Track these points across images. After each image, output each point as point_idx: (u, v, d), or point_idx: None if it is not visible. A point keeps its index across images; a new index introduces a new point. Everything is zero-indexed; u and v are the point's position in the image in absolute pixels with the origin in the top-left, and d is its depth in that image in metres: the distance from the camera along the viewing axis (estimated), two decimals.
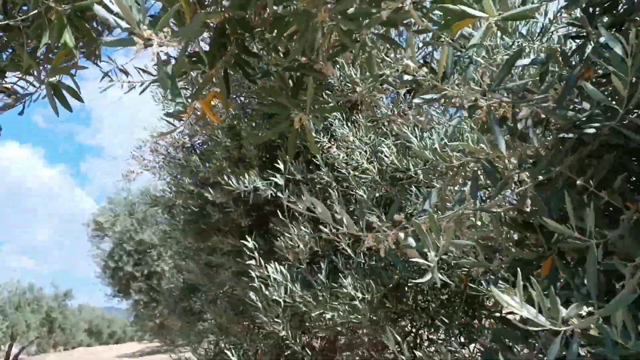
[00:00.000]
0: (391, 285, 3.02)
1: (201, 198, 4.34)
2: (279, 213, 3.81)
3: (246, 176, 3.37)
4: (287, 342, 3.30)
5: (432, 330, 2.99)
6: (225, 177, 3.75)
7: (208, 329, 5.66)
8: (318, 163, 3.38)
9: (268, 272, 3.19)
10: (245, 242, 3.25)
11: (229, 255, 3.98)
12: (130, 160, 5.31)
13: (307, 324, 3.39)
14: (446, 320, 2.82)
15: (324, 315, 3.17)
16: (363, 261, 3.16)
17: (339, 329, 3.26)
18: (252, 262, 3.21)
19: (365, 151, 3.07)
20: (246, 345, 4.66)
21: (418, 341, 3.08)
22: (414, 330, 3.15)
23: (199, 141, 4.74)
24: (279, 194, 3.17)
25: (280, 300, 3.18)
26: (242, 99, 4.09)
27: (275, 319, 3.25)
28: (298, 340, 3.27)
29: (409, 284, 2.98)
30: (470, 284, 2.86)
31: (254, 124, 3.82)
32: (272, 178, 3.48)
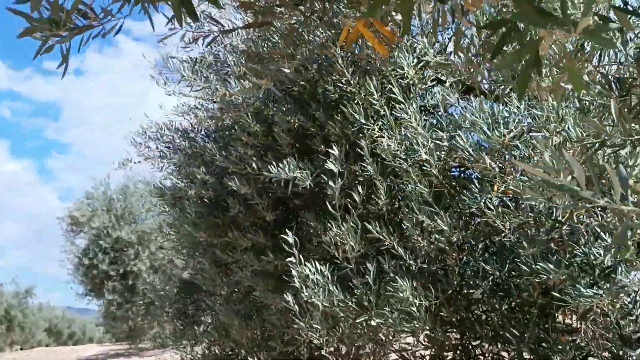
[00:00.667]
0: (450, 291, 2.69)
1: (217, 189, 3.96)
2: (323, 205, 3.46)
3: (281, 164, 3.00)
4: (321, 351, 2.93)
5: (497, 344, 2.66)
6: (254, 166, 3.39)
7: (204, 333, 5.26)
8: (362, 154, 3.03)
9: (306, 271, 2.83)
10: (286, 237, 2.88)
11: (250, 252, 3.60)
12: (129, 148, 4.91)
13: (346, 330, 3.03)
14: (517, 333, 2.50)
15: (368, 322, 2.82)
16: (415, 263, 2.83)
17: (383, 338, 2.92)
18: (292, 259, 2.84)
19: (427, 141, 2.74)
20: (246, 353, 4.28)
21: (477, 355, 2.75)
22: (472, 343, 2.82)
23: (212, 128, 4.36)
24: (331, 184, 2.82)
25: (319, 303, 2.82)
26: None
27: (314, 325, 2.89)
28: (335, 349, 2.92)
29: (471, 291, 2.65)
30: (548, 294, 2.55)
31: (284, 109, 3.46)
32: (305, 167, 3.13)
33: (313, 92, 3.56)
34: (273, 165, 3.10)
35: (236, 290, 4.12)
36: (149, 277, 13.75)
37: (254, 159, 3.49)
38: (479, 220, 2.75)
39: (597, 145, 1.71)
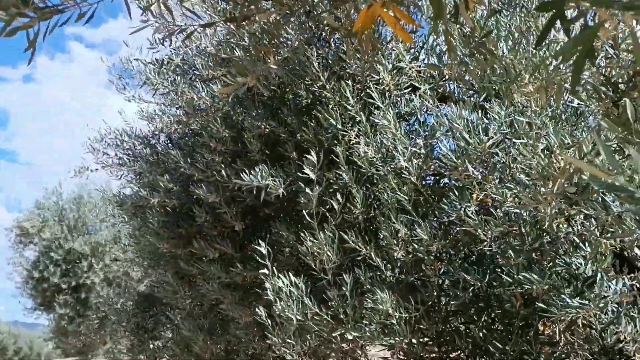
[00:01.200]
0: (429, 303, 2.60)
1: (181, 198, 3.79)
2: (287, 215, 3.33)
3: (252, 172, 2.87)
4: None
5: (477, 357, 2.58)
6: (223, 173, 3.24)
7: (164, 348, 5.04)
8: (337, 161, 2.93)
9: (279, 283, 2.70)
10: (258, 247, 2.74)
11: (217, 264, 3.44)
12: (85, 155, 4.69)
13: (318, 345, 2.91)
14: (499, 345, 2.42)
15: (344, 335, 2.70)
16: (392, 274, 2.73)
17: (359, 352, 2.80)
18: (264, 270, 2.70)
19: (406, 147, 2.65)
20: None
21: None
22: (450, 356, 2.73)
23: (177, 134, 4.19)
24: (307, 191, 2.69)
25: (293, 317, 2.69)
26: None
27: (287, 340, 2.75)
28: None
29: (450, 302, 2.57)
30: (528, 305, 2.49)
31: (254, 114, 3.33)
32: (277, 175, 3.00)
33: (283, 97, 3.45)
34: (244, 172, 2.96)
35: (200, 303, 3.95)
36: (103, 290, 13.28)
37: (223, 166, 3.34)
38: (458, 229, 2.68)
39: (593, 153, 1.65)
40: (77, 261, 13.03)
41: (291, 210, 3.41)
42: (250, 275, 3.33)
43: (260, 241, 2.75)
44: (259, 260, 3.39)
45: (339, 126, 2.86)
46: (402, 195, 2.61)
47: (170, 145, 4.05)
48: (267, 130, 3.34)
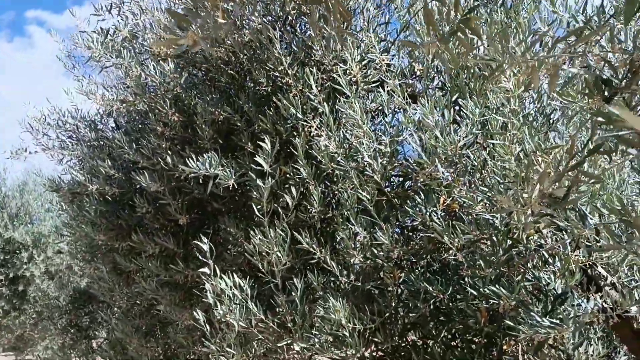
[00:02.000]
0: (387, 314, 2.37)
1: (123, 185, 3.47)
2: (234, 211, 3.06)
3: (201, 159, 2.59)
4: None
5: None
6: (169, 160, 2.95)
7: (98, 349, 4.69)
8: (295, 154, 2.68)
9: (222, 285, 2.42)
10: (200, 244, 2.46)
11: (157, 260, 3.14)
12: (24, 134, 4.30)
13: (266, 356, 2.64)
14: None
15: (292, 346, 2.45)
16: (348, 280, 2.49)
17: None
18: (205, 269, 2.42)
19: (372, 142, 2.42)
20: None
21: None
22: None
23: (123, 116, 3.86)
24: (259, 183, 2.43)
25: (235, 323, 2.42)
26: (193, 69, 3.31)
27: (227, 349, 2.47)
28: None
29: (410, 314, 2.35)
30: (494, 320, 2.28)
31: (209, 98, 3.05)
32: (228, 165, 2.73)
33: (242, 84, 3.18)
34: (192, 159, 2.68)
35: (137, 302, 3.62)
36: (43, 283, 12.63)
37: (169, 152, 3.05)
38: (422, 235, 2.47)
39: (586, 152, 1.45)
40: (17, 252, 12.35)
41: (242, 206, 3.14)
42: (192, 275, 3.04)
43: (202, 237, 2.47)
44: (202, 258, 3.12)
45: (300, 115, 2.61)
46: (363, 194, 2.37)
47: (115, 128, 3.73)
48: (222, 117, 3.06)
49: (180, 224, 3.14)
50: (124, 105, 3.08)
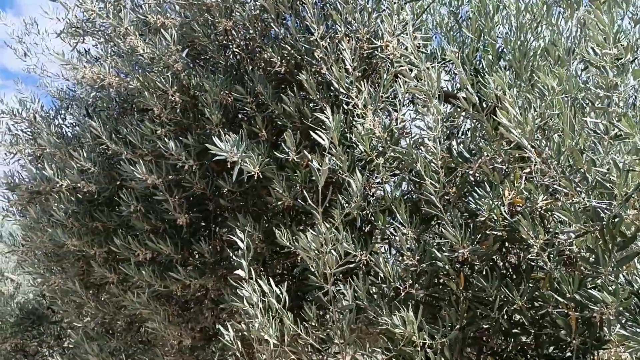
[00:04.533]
0: (457, 326, 1.99)
1: (100, 181, 2.93)
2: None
3: (226, 140, 2.13)
4: None
5: None
6: (171, 145, 2.48)
7: None
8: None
9: (256, 292, 1.96)
10: (236, 239, 1.98)
11: (149, 267, 2.62)
12: None
13: None
14: None
15: None
16: (404, 288, 2.09)
17: None
18: (240, 272, 1.95)
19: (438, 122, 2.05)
20: None
21: None
22: None
23: (91, 99, 3.33)
24: (315, 165, 1.98)
25: (270, 339, 1.96)
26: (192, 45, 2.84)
27: None
28: None
29: (484, 325, 1.97)
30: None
31: (214, 77, 2.59)
32: (252, 149, 2.28)
33: (254, 63, 2.75)
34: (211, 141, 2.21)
35: (113, 319, 3.06)
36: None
37: (166, 139, 2.55)
38: (488, 233, 2.11)
39: None
40: None
41: (252, 204, 2.68)
42: (194, 284, 2.55)
43: (237, 231, 2.00)
44: (203, 264, 2.65)
45: (342, 90, 2.20)
46: (430, 182, 1.99)
47: (86, 115, 3.17)
48: (230, 99, 2.61)
49: (178, 225, 2.64)
50: (116, 79, 2.56)
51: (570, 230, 1.77)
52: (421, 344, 1.82)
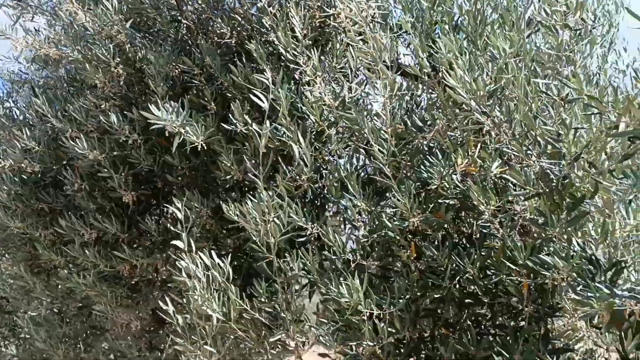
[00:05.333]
0: (408, 296, 1.92)
1: (45, 160, 2.80)
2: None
3: (165, 108, 2.03)
4: None
5: None
6: (114, 119, 2.37)
7: None
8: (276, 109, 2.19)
9: (196, 264, 1.87)
10: (173, 209, 1.89)
11: (94, 248, 2.51)
12: None
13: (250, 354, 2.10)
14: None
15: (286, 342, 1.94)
16: (354, 259, 2.02)
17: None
18: (179, 242, 1.85)
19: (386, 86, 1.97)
20: None
21: None
22: None
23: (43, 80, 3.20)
24: (259, 130, 1.89)
25: (214, 315, 1.88)
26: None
27: (205, 346, 1.92)
28: None
29: (435, 295, 1.91)
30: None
31: (160, 49, 2.49)
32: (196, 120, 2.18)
33: (203, 34, 2.64)
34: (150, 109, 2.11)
35: (63, 304, 2.94)
36: None
37: (110, 113, 2.44)
38: (439, 202, 2.05)
39: None
40: None
41: (202, 181, 2.59)
42: (142, 264, 2.45)
43: (174, 200, 1.91)
44: (153, 244, 2.55)
45: (290, 56, 2.12)
46: (379, 151, 1.92)
47: (34, 94, 3.04)
48: (177, 72, 2.51)
49: (123, 204, 2.54)
50: (55, 51, 2.44)
51: (520, 193, 1.71)
52: (368, 314, 1.75)
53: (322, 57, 2.29)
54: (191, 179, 2.54)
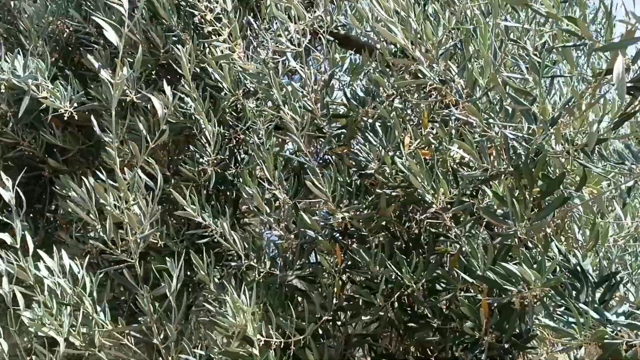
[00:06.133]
0: (325, 317, 1.42)
1: None
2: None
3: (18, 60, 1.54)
4: None
5: None
6: None
7: None
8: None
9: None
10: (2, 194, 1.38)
11: None
12: None
13: None
14: None
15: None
16: (262, 267, 1.52)
17: None
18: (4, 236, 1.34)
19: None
20: None
21: None
22: None
23: None
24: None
25: (60, 339, 1.36)
26: None
27: None
28: None
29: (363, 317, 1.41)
30: None
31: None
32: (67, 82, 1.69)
33: None
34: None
35: None
36: None
37: None
38: (378, 191, 1.56)
39: None
40: None
41: (99, 164, 2.08)
42: None
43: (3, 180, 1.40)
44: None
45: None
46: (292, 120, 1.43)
47: None
48: (69, 29, 2.02)
49: None
50: None
51: (474, 173, 1.22)
52: (262, 341, 1.24)
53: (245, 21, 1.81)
54: (77, 166, 2.04)
